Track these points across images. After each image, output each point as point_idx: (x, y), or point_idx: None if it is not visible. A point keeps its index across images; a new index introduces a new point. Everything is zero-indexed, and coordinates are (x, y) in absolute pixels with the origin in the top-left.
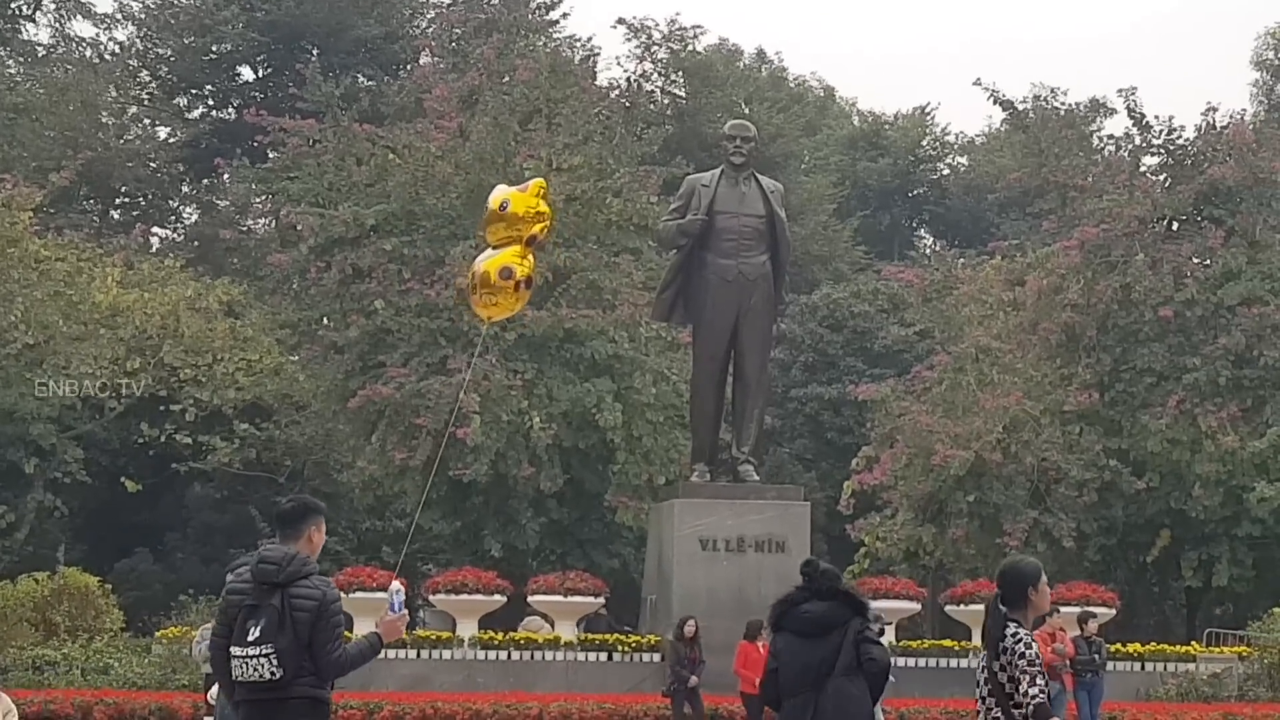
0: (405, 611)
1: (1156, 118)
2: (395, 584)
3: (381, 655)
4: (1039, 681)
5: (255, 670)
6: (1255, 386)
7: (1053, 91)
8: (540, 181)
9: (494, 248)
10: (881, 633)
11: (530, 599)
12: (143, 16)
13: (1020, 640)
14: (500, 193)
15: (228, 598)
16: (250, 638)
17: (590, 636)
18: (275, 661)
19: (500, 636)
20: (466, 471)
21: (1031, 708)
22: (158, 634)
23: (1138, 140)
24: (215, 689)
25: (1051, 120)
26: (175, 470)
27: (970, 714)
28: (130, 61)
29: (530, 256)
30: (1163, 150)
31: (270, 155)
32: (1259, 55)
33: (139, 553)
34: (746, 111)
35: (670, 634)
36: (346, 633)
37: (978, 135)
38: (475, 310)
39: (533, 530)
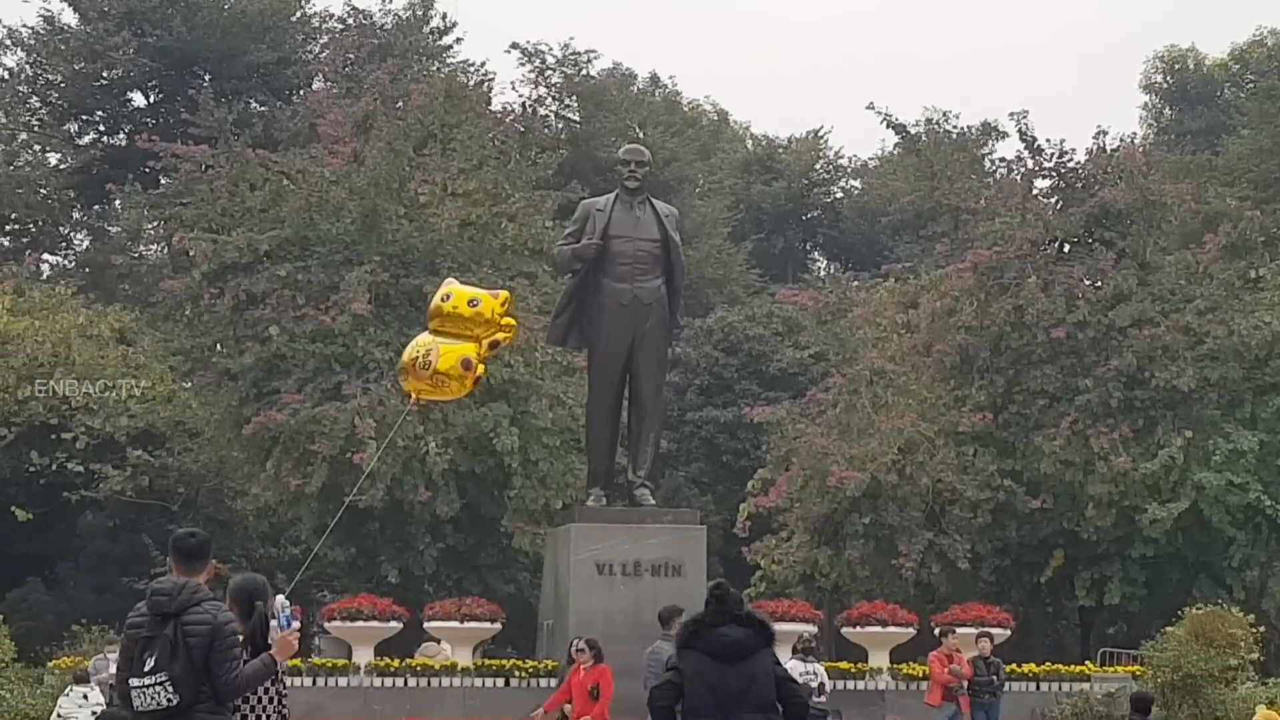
0: (296, 624)
1: (1048, 140)
2: (280, 599)
3: None
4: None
5: (153, 699)
6: (1146, 407)
7: (945, 115)
8: (507, 293)
9: (446, 336)
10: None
11: (427, 625)
12: (32, 42)
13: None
14: (462, 288)
15: (127, 633)
16: (146, 668)
17: (488, 662)
18: (170, 688)
19: (396, 663)
20: (362, 497)
21: None
22: (50, 664)
23: (1029, 163)
24: None
25: (944, 143)
26: (67, 499)
27: None
28: (20, 87)
29: (488, 358)
30: (1054, 173)
31: (162, 181)
32: (1148, 79)
33: (30, 582)
34: (641, 136)
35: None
36: None
37: (871, 159)
38: (408, 387)
39: (429, 556)
